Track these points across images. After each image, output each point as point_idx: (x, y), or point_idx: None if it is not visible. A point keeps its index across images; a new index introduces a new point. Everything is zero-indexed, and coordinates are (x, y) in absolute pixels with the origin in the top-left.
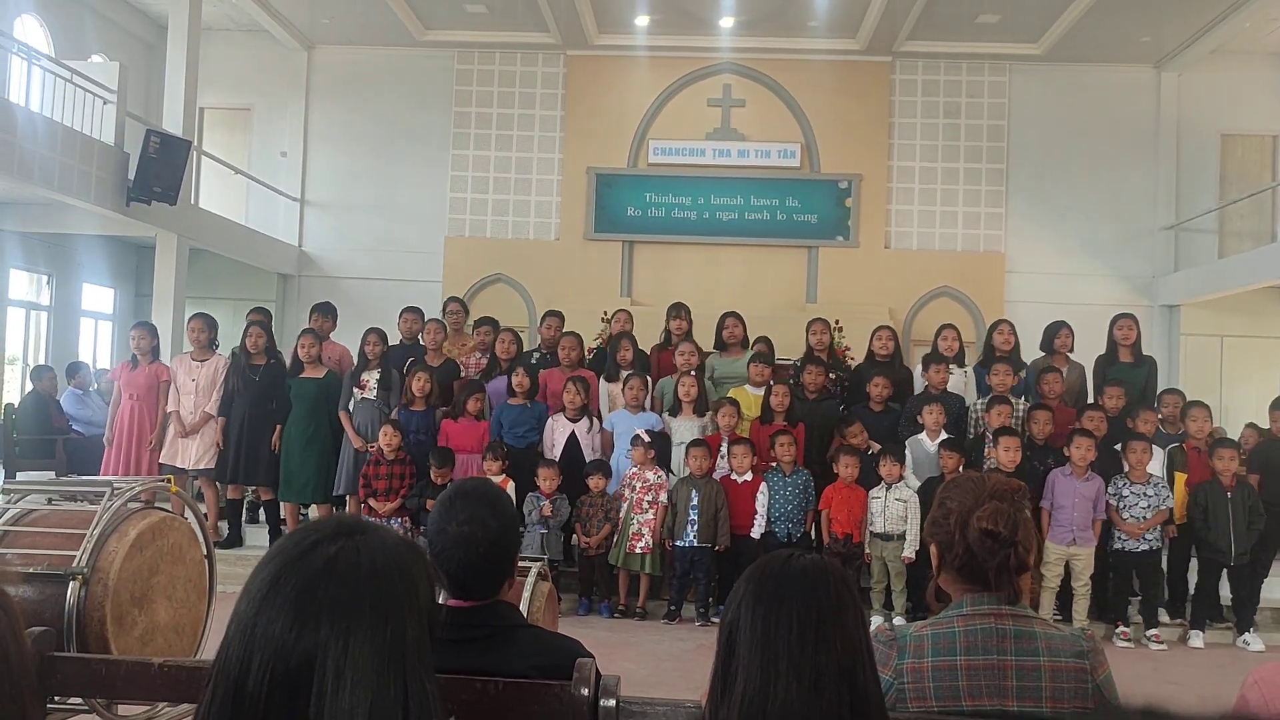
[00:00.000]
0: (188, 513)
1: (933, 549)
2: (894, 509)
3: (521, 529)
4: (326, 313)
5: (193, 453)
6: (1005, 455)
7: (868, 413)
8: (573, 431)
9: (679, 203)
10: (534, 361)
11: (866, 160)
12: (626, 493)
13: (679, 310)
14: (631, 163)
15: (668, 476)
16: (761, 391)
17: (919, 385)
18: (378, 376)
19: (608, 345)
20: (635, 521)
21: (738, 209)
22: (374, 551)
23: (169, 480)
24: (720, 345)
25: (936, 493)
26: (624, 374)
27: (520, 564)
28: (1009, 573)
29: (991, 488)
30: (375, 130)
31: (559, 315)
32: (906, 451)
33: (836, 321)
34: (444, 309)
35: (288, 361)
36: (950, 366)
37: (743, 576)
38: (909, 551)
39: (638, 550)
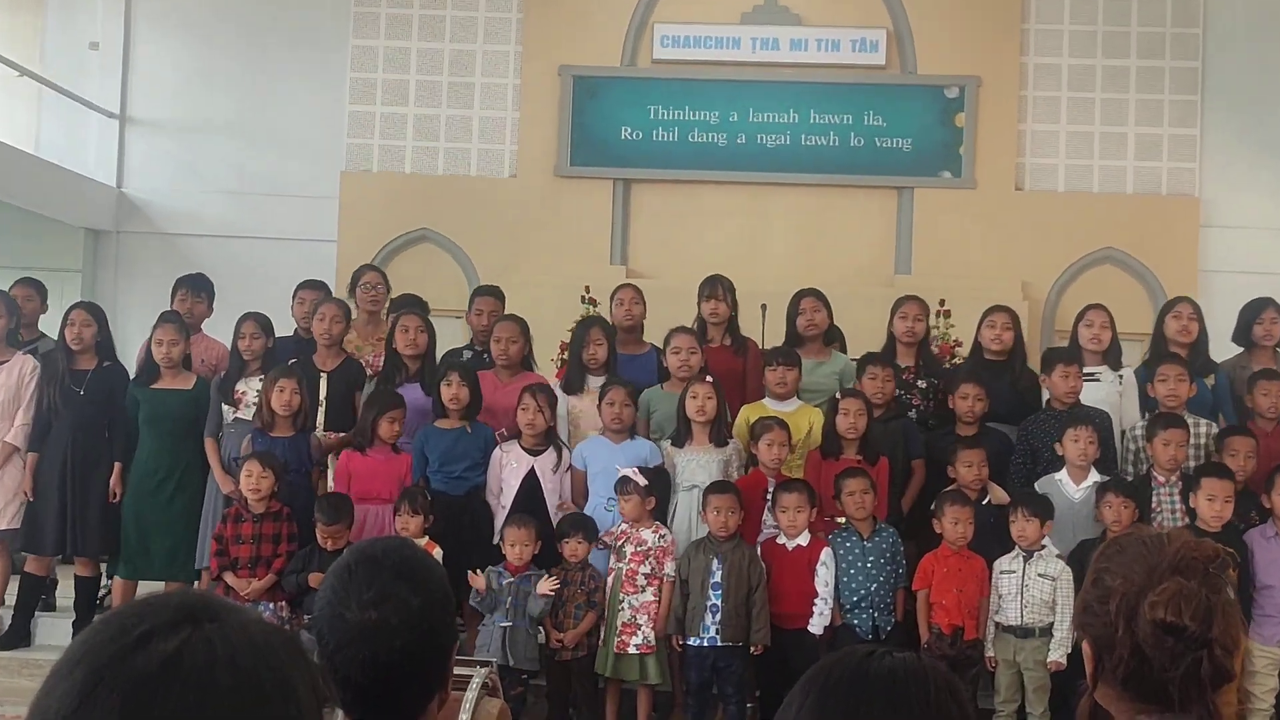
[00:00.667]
0: None
1: (1085, 648)
2: (1036, 590)
3: (459, 620)
4: (199, 291)
5: None
6: (1209, 507)
7: (951, 438)
8: (532, 468)
9: (700, 120)
10: (464, 358)
11: (987, 55)
12: (611, 561)
13: (715, 286)
14: (628, 59)
15: (672, 537)
16: (788, 407)
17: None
18: (259, 385)
19: (571, 340)
20: (626, 606)
21: (791, 130)
22: (234, 647)
23: None
24: (793, 340)
25: (1091, 562)
26: (594, 382)
27: (458, 671)
28: (1201, 686)
29: (1174, 556)
30: (235, 10)
31: (496, 294)
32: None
33: (941, 303)
34: (354, 283)
35: (132, 366)
36: (1101, 369)
37: (798, 687)
38: (1057, 654)
39: (631, 650)
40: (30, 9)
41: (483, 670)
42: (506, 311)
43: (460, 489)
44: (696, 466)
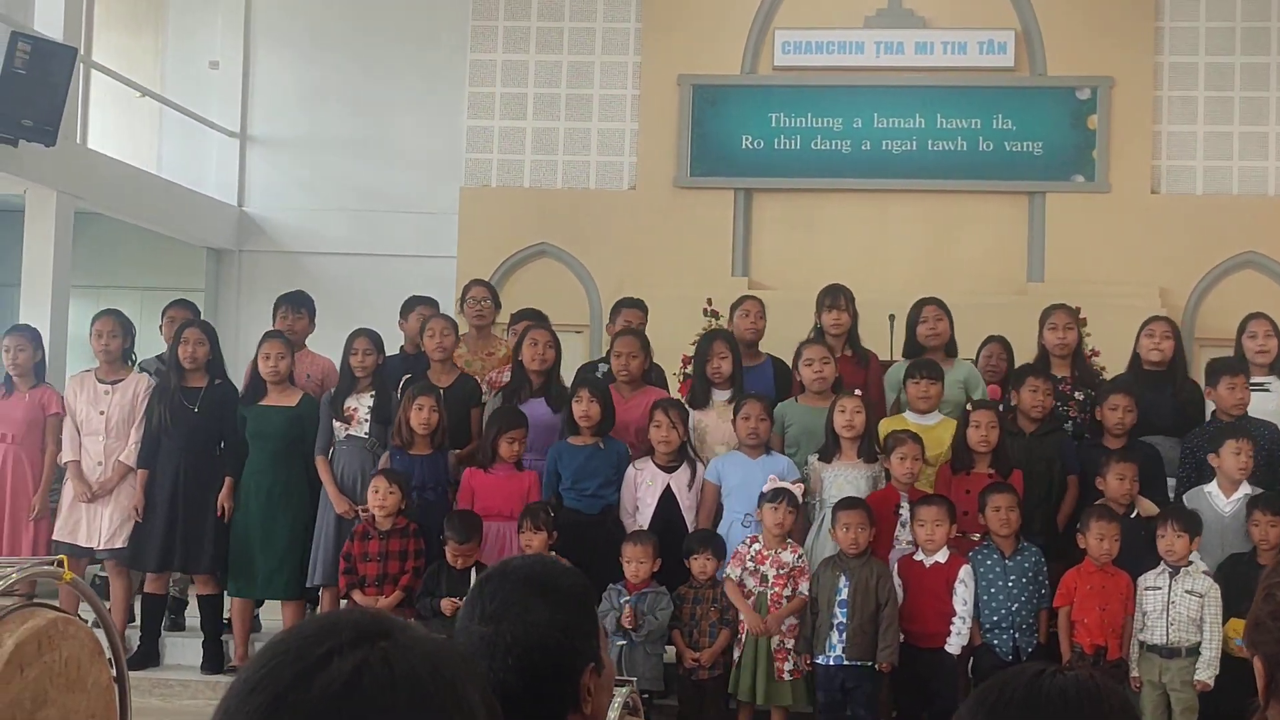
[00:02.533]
0: (85, 611)
1: (1257, 665)
2: (1183, 607)
3: None
4: (300, 307)
5: (103, 525)
6: None
7: (1099, 450)
8: (668, 486)
9: (823, 127)
10: (599, 375)
11: (1120, 55)
12: (748, 582)
13: (837, 296)
14: (748, 67)
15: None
16: (928, 420)
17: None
18: (371, 403)
19: (695, 353)
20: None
21: (917, 135)
22: (411, 664)
23: (60, 562)
24: (913, 351)
25: (1261, 579)
26: (719, 396)
27: None
28: None
29: None
30: (353, 28)
31: (640, 306)
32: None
33: (1077, 309)
34: (461, 298)
35: (240, 383)
36: (1270, 379)
37: (965, 707)
38: (1205, 675)
39: (787, 676)
40: (151, 30)
41: (624, 690)
42: (647, 324)
43: (594, 507)
44: (844, 482)
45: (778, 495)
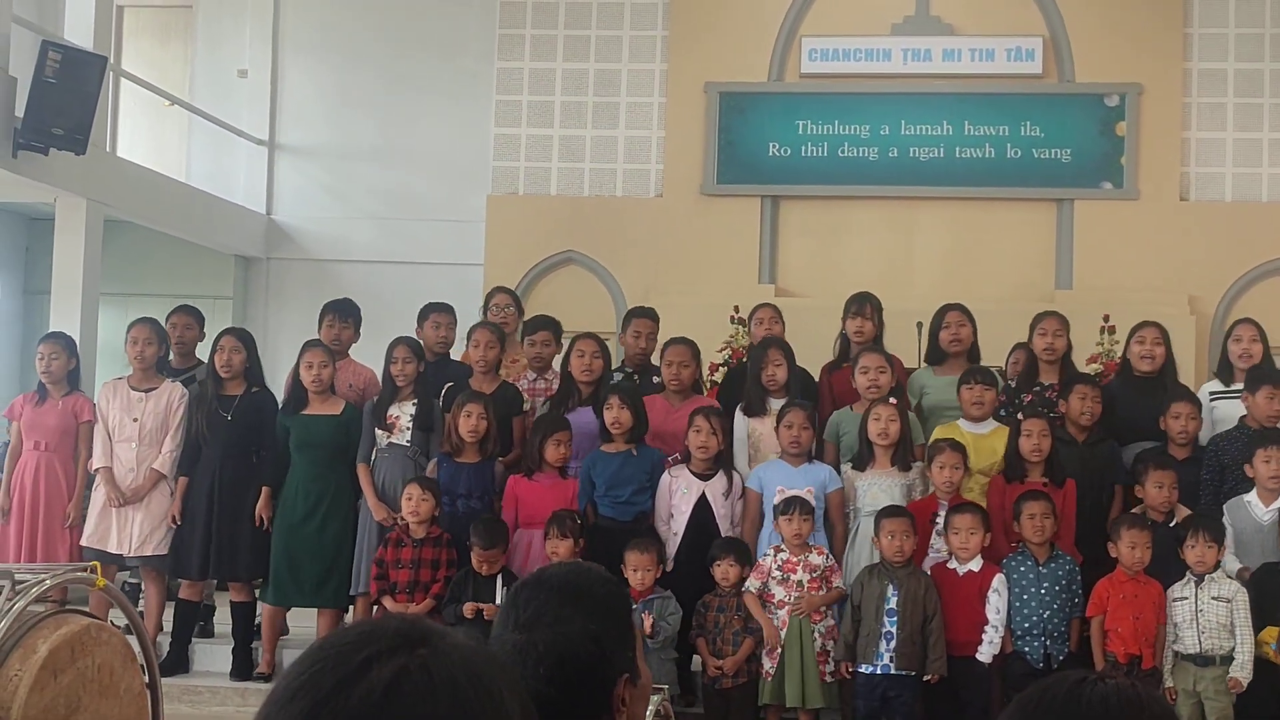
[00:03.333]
0: (116, 617)
1: None
2: (1211, 614)
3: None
4: (346, 316)
5: (134, 531)
6: None
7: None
8: (703, 493)
9: (850, 134)
10: (614, 380)
11: (1149, 62)
12: (778, 592)
13: (863, 304)
14: (775, 74)
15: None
16: (983, 429)
17: (1229, 418)
18: (413, 411)
19: (744, 359)
20: (816, 634)
21: (945, 143)
22: (451, 671)
23: (93, 569)
24: (936, 357)
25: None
26: (774, 404)
27: None
28: None
29: None
30: (380, 36)
31: (651, 316)
32: (1225, 522)
33: (1105, 318)
34: (485, 306)
35: (281, 392)
36: None
37: (1006, 714)
38: (1241, 674)
39: (828, 678)
40: (180, 38)
41: (656, 698)
42: (657, 333)
43: (628, 514)
44: (878, 491)
45: (789, 506)
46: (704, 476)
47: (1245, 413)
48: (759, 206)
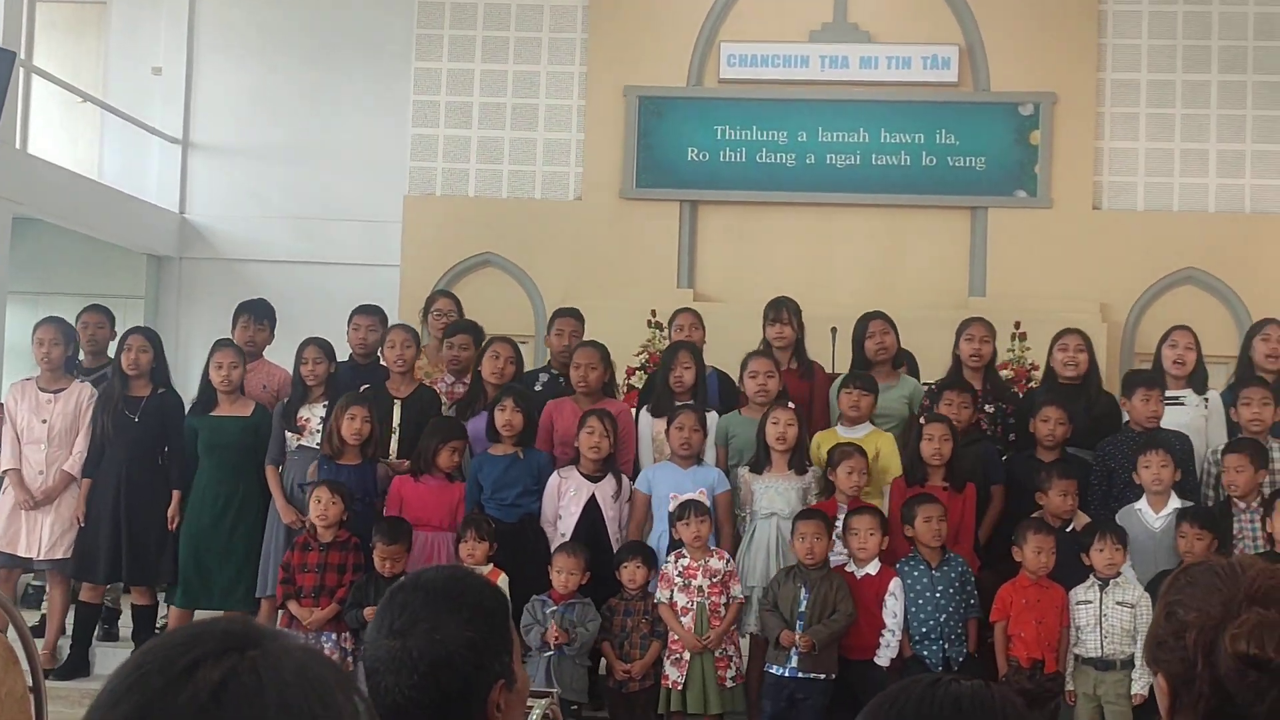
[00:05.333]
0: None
1: (1160, 683)
2: (1115, 619)
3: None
4: (260, 316)
5: (43, 534)
6: None
7: (1034, 463)
8: (593, 495)
9: (768, 140)
10: (538, 388)
11: (1063, 71)
12: (680, 599)
13: (781, 309)
14: (694, 79)
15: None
16: (857, 432)
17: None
18: (323, 413)
19: (659, 363)
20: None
21: (861, 150)
22: (279, 674)
23: None
24: (860, 364)
25: (1160, 596)
26: (680, 405)
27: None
28: None
29: (1250, 586)
30: (297, 35)
31: (575, 315)
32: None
33: (1017, 325)
34: (426, 308)
35: (188, 392)
36: (1185, 392)
37: (862, 715)
38: (1140, 686)
39: (729, 683)
40: (93, 35)
41: (543, 701)
42: (582, 333)
43: (513, 516)
44: (775, 494)
45: (684, 511)
46: (593, 478)
47: (1188, 420)
48: (678, 211)
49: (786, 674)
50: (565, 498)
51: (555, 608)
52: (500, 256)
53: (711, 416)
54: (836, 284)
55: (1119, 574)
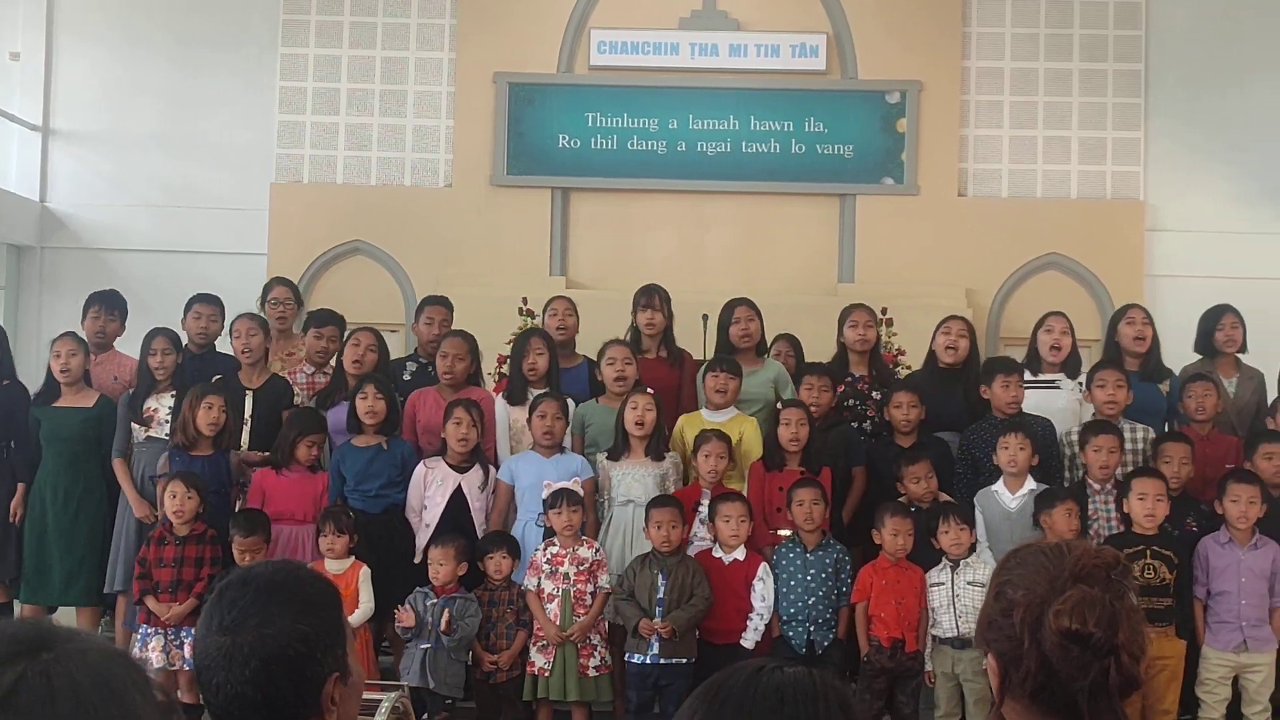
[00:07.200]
0: None
1: (990, 663)
2: (967, 599)
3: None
4: (113, 308)
5: None
6: (1140, 506)
7: (893, 449)
8: (459, 485)
9: (639, 128)
10: (407, 376)
11: (928, 60)
12: (546, 586)
13: (652, 296)
14: (564, 65)
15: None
16: (723, 416)
17: (1034, 407)
18: (171, 404)
19: (512, 351)
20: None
21: (730, 137)
22: (72, 678)
23: None
24: (725, 348)
25: (991, 578)
26: (535, 393)
27: (366, 695)
28: (1109, 695)
29: (1075, 564)
30: (161, 18)
31: (445, 304)
32: (976, 509)
33: (884, 311)
34: (263, 297)
35: (34, 384)
36: (1058, 376)
37: (689, 702)
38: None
39: (591, 672)
40: None
41: (392, 695)
42: (451, 321)
43: (377, 507)
44: (633, 481)
45: (557, 499)
46: (460, 469)
47: (1064, 404)
48: (549, 198)
49: (649, 661)
50: (431, 488)
51: (436, 600)
52: (369, 244)
53: (570, 404)
54: (707, 271)
55: (973, 554)
